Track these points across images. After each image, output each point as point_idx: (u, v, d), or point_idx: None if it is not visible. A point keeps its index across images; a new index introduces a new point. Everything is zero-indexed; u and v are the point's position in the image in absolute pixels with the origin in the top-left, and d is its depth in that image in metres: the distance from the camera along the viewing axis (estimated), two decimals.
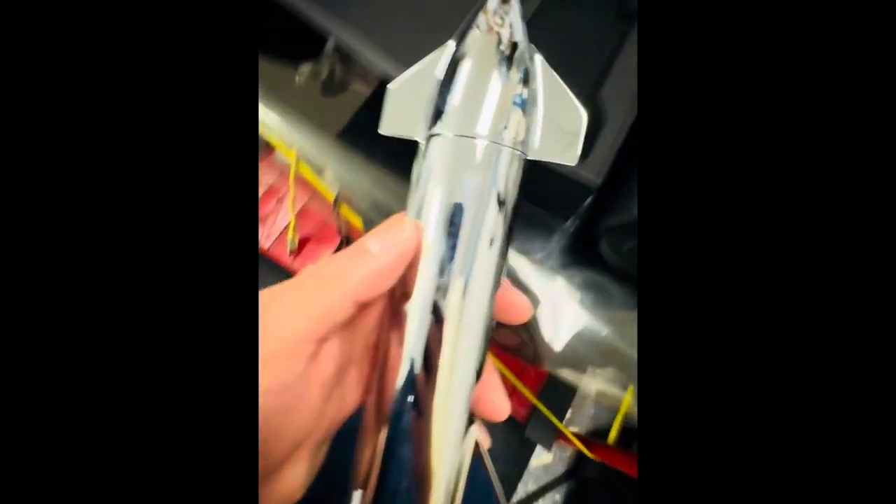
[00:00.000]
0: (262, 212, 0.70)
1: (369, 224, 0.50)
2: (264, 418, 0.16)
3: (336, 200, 0.48)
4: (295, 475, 0.19)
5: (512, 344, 0.54)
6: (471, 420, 0.20)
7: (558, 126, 0.20)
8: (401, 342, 0.19)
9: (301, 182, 0.54)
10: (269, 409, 0.16)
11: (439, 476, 0.19)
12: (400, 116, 0.20)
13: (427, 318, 0.19)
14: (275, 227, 0.72)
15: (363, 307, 0.18)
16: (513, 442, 0.83)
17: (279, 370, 0.16)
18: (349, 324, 0.18)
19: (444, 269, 0.19)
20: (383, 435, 0.19)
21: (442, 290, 0.19)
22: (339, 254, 0.18)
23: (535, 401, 0.74)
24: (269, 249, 0.71)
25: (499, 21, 0.20)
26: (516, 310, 0.20)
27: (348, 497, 0.19)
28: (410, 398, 0.19)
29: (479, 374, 0.19)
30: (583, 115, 0.20)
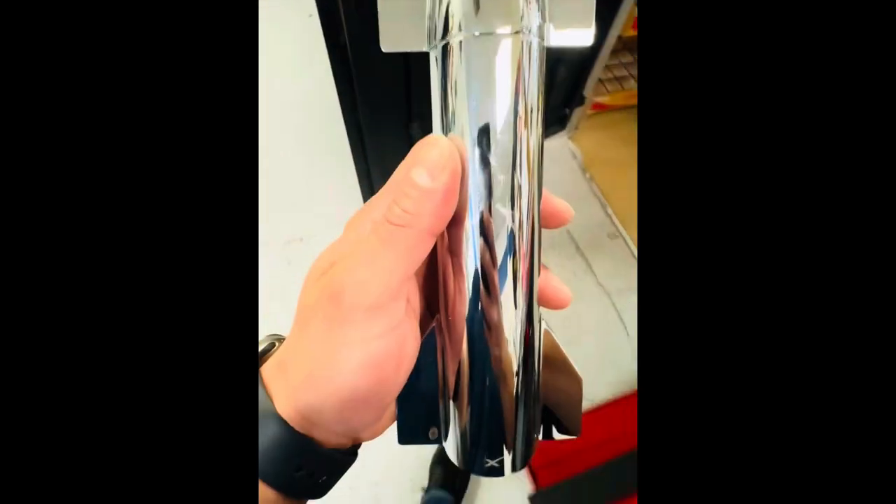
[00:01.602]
0: None
1: None
2: (386, 363, 0.19)
3: None
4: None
5: None
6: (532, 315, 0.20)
7: (568, 9, 0.19)
8: (459, 256, 0.19)
9: None
10: (382, 354, 0.18)
11: (521, 366, 0.20)
12: (400, 29, 0.19)
13: (479, 229, 0.19)
14: None
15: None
16: None
17: (389, 313, 0.18)
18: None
19: (488, 181, 0.18)
20: (464, 346, 0.20)
21: (492, 197, 0.18)
22: (393, 196, 0.18)
23: None
24: None
25: None
26: (557, 214, 0.21)
27: (445, 408, 0.21)
28: (480, 306, 0.19)
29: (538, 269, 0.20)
30: None
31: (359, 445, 0.22)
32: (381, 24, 0.19)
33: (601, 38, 1.12)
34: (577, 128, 1.47)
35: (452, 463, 0.22)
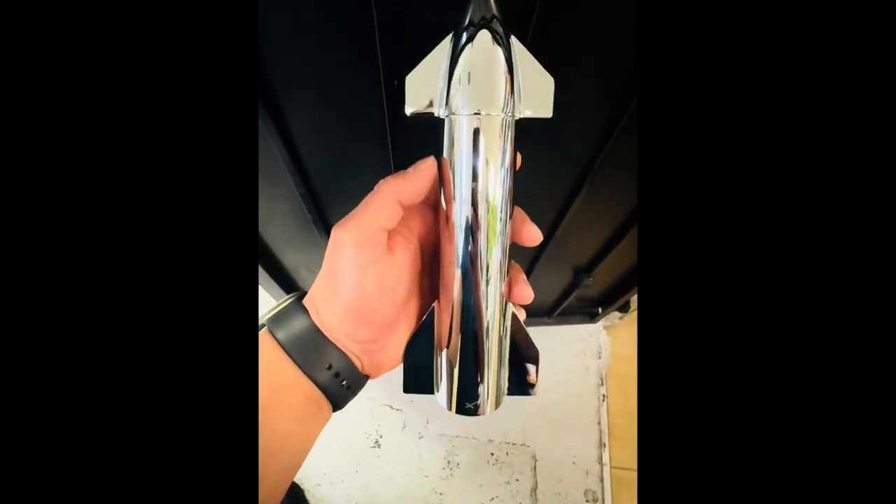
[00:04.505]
0: None
1: None
2: (371, 286, 0.27)
3: None
4: (396, 343, 0.30)
5: None
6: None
7: (534, 90, 0.26)
8: (453, 261, 0.28)
9: None
10: (370, 280, 0.27)
11: (493, 336, 0.29)
12: (420, 99, 0.26)
13: (468, 245, 0.27)
14: None
15: (408, 212, 0.28)
16: None
17: (368, 249, 0.27)
18: (407, 227, 0.30)
19: (475, 210, 0.26)
20: (456, 312, 0.28)
21: (478, 230, 0.27)
22: (390, 176, 0.28)
23: None
24: None
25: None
26: (529, 234, 0.30)
27: (438, 366, 0.30)
28: (466, 294, 0.28)
29: (507, 271, 0.29)
30: (551, 80, 0.26)
31: (367, 377, 0.30)
32: (408, 94, 0.26)
33: None
34: (620, 318, 1.16)
35: None
